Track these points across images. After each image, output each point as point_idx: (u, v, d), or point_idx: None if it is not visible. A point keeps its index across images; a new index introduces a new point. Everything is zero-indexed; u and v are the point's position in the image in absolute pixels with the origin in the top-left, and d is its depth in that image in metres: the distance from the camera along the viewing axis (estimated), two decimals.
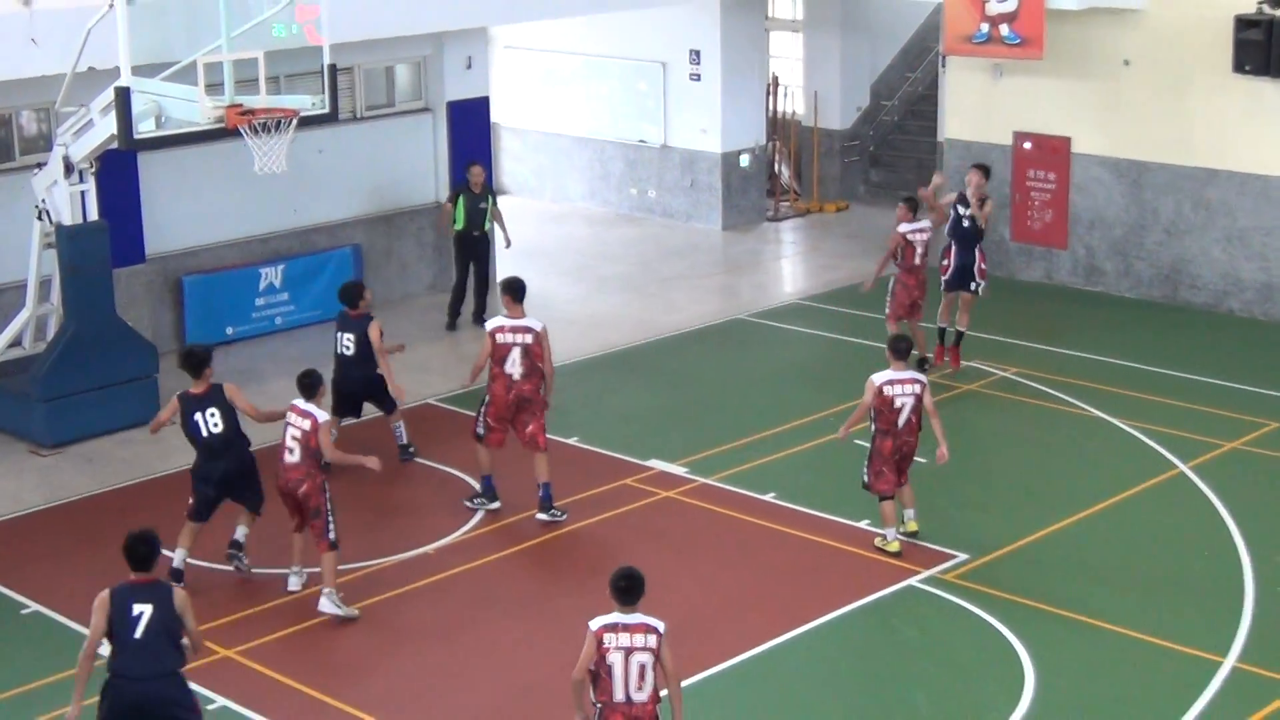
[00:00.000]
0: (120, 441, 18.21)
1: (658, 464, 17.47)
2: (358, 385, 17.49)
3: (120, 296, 19.59)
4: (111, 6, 16.62)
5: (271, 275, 22.27)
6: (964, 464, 17.53)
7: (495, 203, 22.41)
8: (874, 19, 29.71)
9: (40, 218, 18.60)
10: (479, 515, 16.39)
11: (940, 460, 15.36)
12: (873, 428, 15.39)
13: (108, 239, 18.67)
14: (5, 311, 19.66)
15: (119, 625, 10.85)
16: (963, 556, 15.30)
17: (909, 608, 14.46)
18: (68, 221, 18.29)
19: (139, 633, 10.82)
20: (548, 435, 16.15)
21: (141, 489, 17.31)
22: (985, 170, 20.48)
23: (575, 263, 26.02)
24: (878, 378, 15.29)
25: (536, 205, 29.76)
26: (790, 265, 26.48)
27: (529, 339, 15.81)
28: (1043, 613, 14.24)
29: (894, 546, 15.34)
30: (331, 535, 14.31)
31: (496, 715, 12.90)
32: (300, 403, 14.46)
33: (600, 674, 10.49)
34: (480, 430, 16.20)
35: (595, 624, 10.54)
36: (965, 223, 20.03)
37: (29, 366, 18.71)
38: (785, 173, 29.81)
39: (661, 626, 10.51)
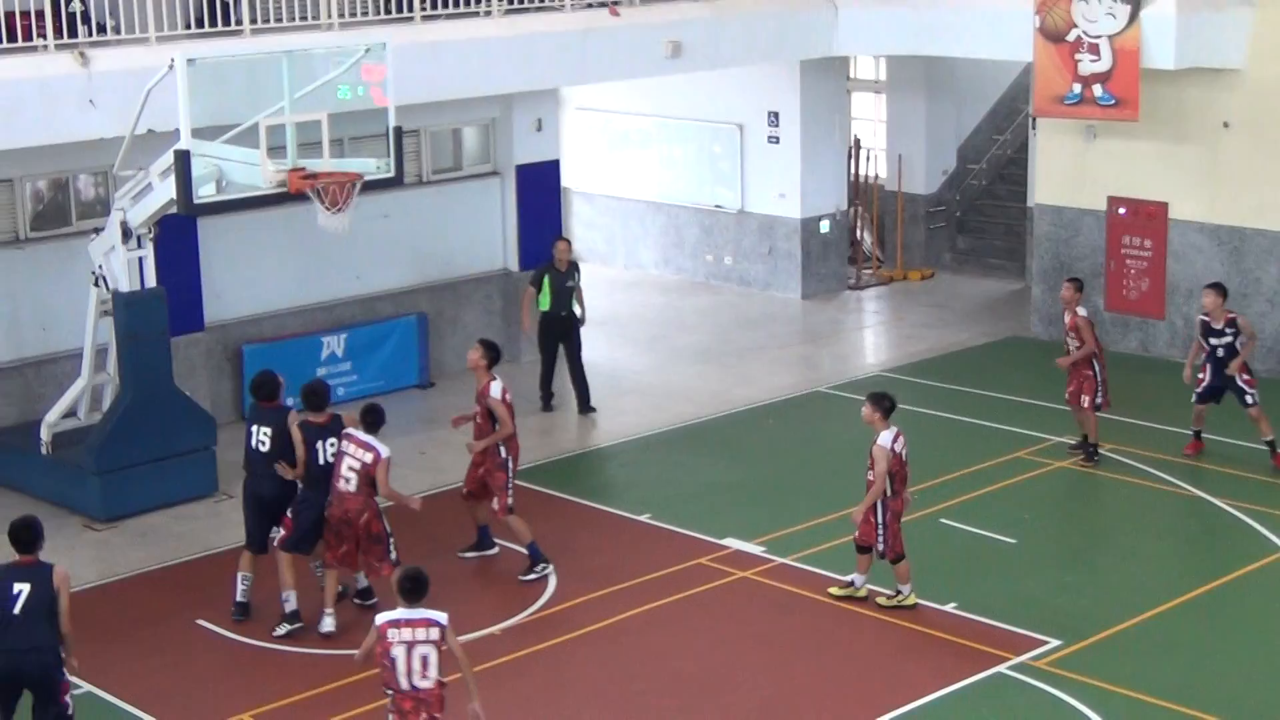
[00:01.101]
0: (177, 516, 17.90)
1: (733, 543, 17.00)
2: (277, 488, 15.44)
3: (178, 366, 19.35)
4: (171, 67, 16.51)
5: (334, 344, 21.89)
6: (1057, 545, 17.22)
7: (578, 279, 21.59)
8: (960, 79, 29.29)
9: (97, 284, 18.41)
10: (548, 592, 15.92)
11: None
12: (885, 495, 15.38)
13: (166, 306, 18.43)
14: (61, 381, 19.48)
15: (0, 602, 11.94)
16: (1055, 642, 14.80)
17: (998, 697, 13.93)
18: (125, 288, 18.07)
19: (17, 609, 11.90)
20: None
21: (197, 565, 16.99)
22: (1222, 290, 19.54)
23: (648, 332, 25.61)
24: (885, 440, 15.37)
25: (608, 272, 29.45)
26: (872, 335, 25.95)
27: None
28: (1139, 703, 13.74)
29: (913, 600, 15.47)
30: (393, 555, 14.96)
31: None
32: (360, 434, 14.91)
33: (385, 665, 11.56)
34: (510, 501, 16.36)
35: (380, 619, 11.66)
36: (1221, 351, 19.22)
37: (84, 438, 18.45)
38: (867, 239, 29.38)
39: (443, 619, 11.60)
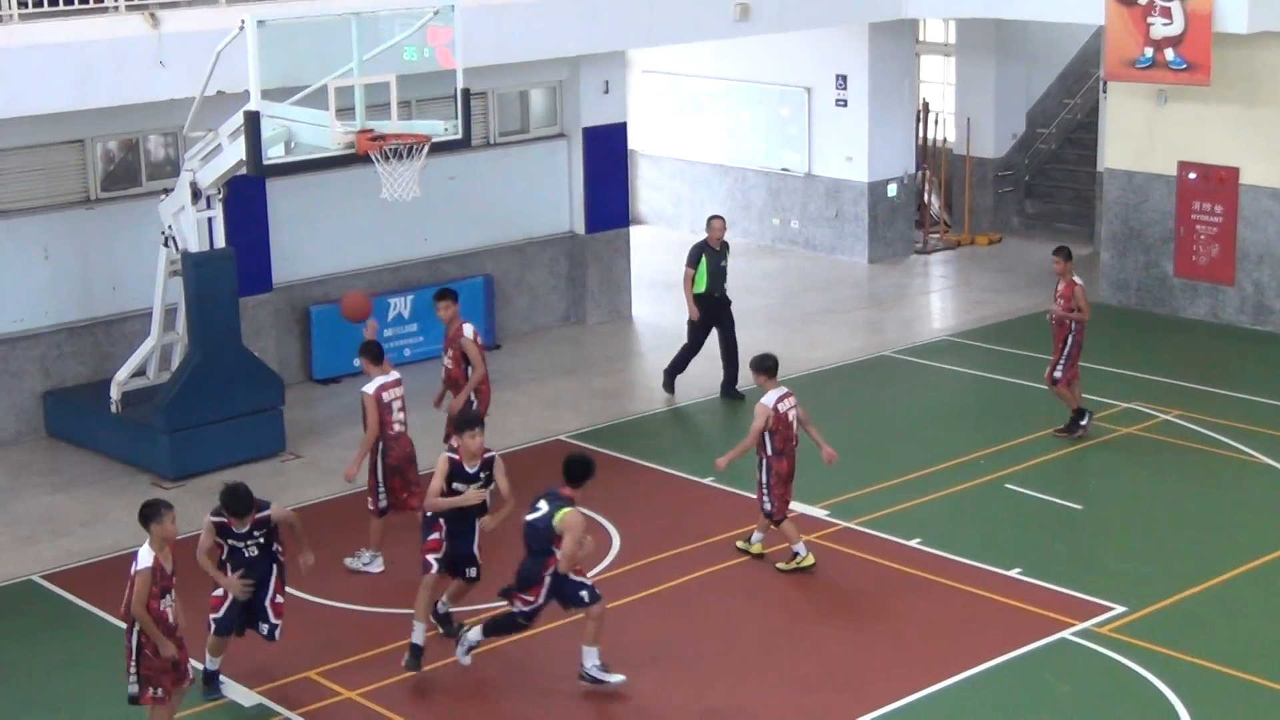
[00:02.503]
0: (243, 475, 17.82)
1: (798, 507, 16.89)
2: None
3: (246, 326, 19.45)
4: (242, 29, 16.56)
5: (400, 305, 21.93)
6: (1122, 512, 17.07)
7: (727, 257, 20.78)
8: (1030, 43, 29.01)
9: (166, 245, 18.51)
10: (611, 555, 15.97)
11: (829, 460, 15.72)
12: (766, 453, 15.50)
13: (234, 267, 18.51)
14: (130, 340, 19.60)
15: None
16: (1120, 609, 14.67)
17: (1062, 662, 13.83)
18: (194, 249, 18.16)
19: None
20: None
21: None
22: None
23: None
24: (768, 400, 15.49)
25: (674, 235, 29.35)
26: (939, 300, 25.78)
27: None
28: (1203, 670, 13.63)
29: (810, 560, 15.53)
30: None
31: None
32: (392, 375, 15.81)
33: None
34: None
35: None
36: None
37: (153, 397, 18.54)
38: (935, 203, 29.18)
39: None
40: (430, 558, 13.78)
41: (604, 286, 24.17)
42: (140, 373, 19.01)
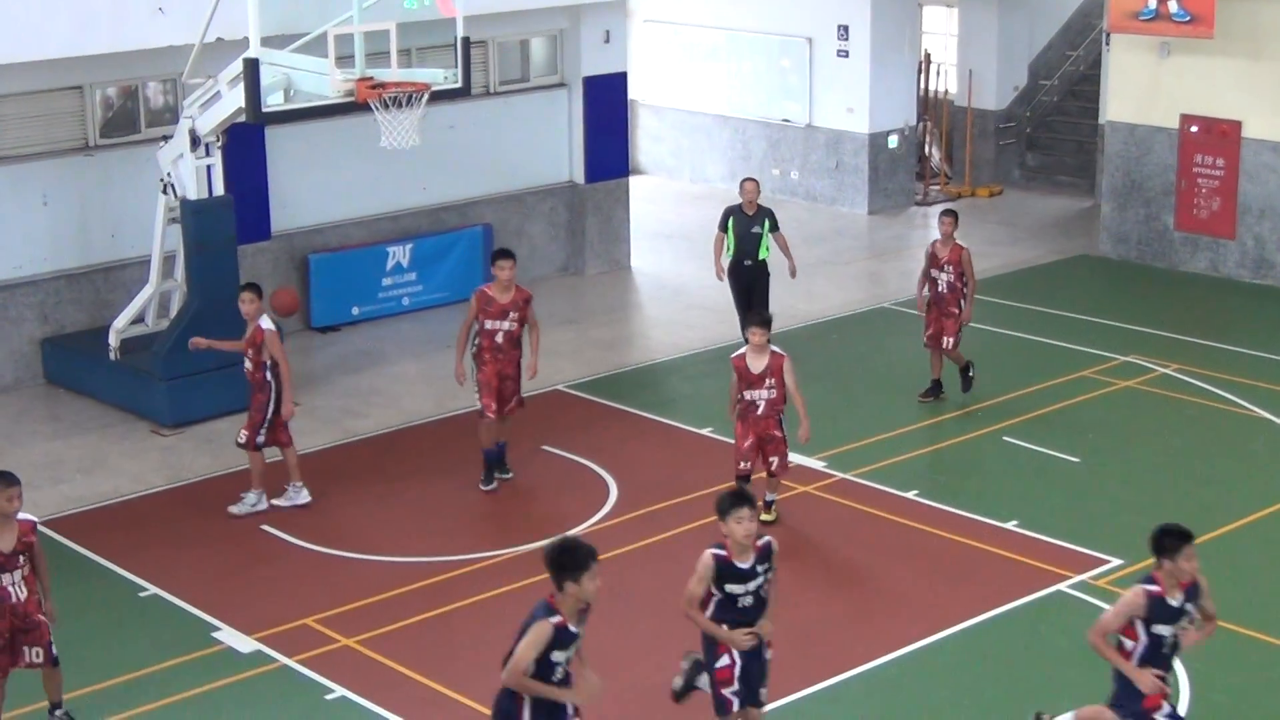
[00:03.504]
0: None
1: (795, 458, 16.82)
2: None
3: (245, 274, 19.34)
4: None
5: (399, 254, 21.91)
6: (1120, 464, 17.04)
7: (773, 225, 19.72)
8: None
9: (165, 192, 18.48)
10: (608, 505, 15.98)
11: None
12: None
13: (233, 215, 18.50)
14: (129, 287, 19.63)
15: None
16: (1116, 561, 14.66)
17: (1058, 614, 13.86)
18: (193, 196, 18.15)
19: None
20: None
21: None
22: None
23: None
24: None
25: (674, 186, 29.35)
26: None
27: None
28: None
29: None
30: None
31: (632, 716, 12.38)
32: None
33: None
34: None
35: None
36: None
37: (152, 344, 18.55)
38: (936, 155, 29.14)
39: None
40: (726, 693, 11.00)
41: (603, 237, 24.12)
42: (139, 320, 19.00)
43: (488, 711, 12.10)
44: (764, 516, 14.93)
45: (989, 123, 29.13)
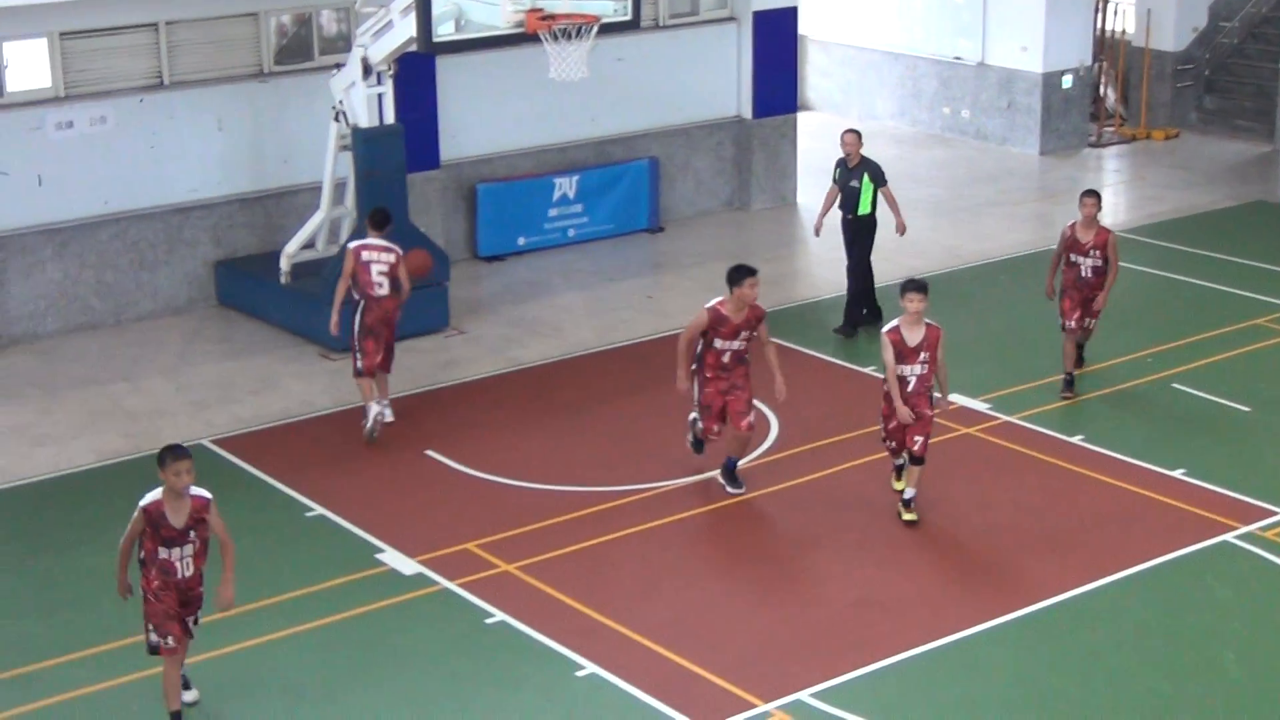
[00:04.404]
0: (408, 349, 18.15)
1: (959, 399, 16.73)
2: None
3: (414, 202, 19.60)
4: None
5: (566, 186, 21.95)
6: None
7: (878, 179, 18.79)
8: None
9: (337, 119, 18.62)
10: (769, 441, 15.90)
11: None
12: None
13: (403, 143, 18.62)
14: (300, 212, 19.85)
15: None
16: None
17: (1224, 565, 13.63)
18: (364, 124, 18.27)
19: None
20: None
21: (426, 397, 17.27)
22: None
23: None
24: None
25: (842, 123, 28.96)
26: (1112, 195, 25.27)
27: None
28: None
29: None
30: None
31: (783, 650, 12.37)
32: (374, 240, 15.95)
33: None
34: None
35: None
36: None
37: (321, 269, 18.72)
38: (1111, 96, 28.60)
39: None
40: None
41: (769, 172, 24.00)
42: (309, 245, 19.23)
43: (644, 641, 12.24)
44: (906, 516, 14.17)
45: (1166, 64, 28.51)
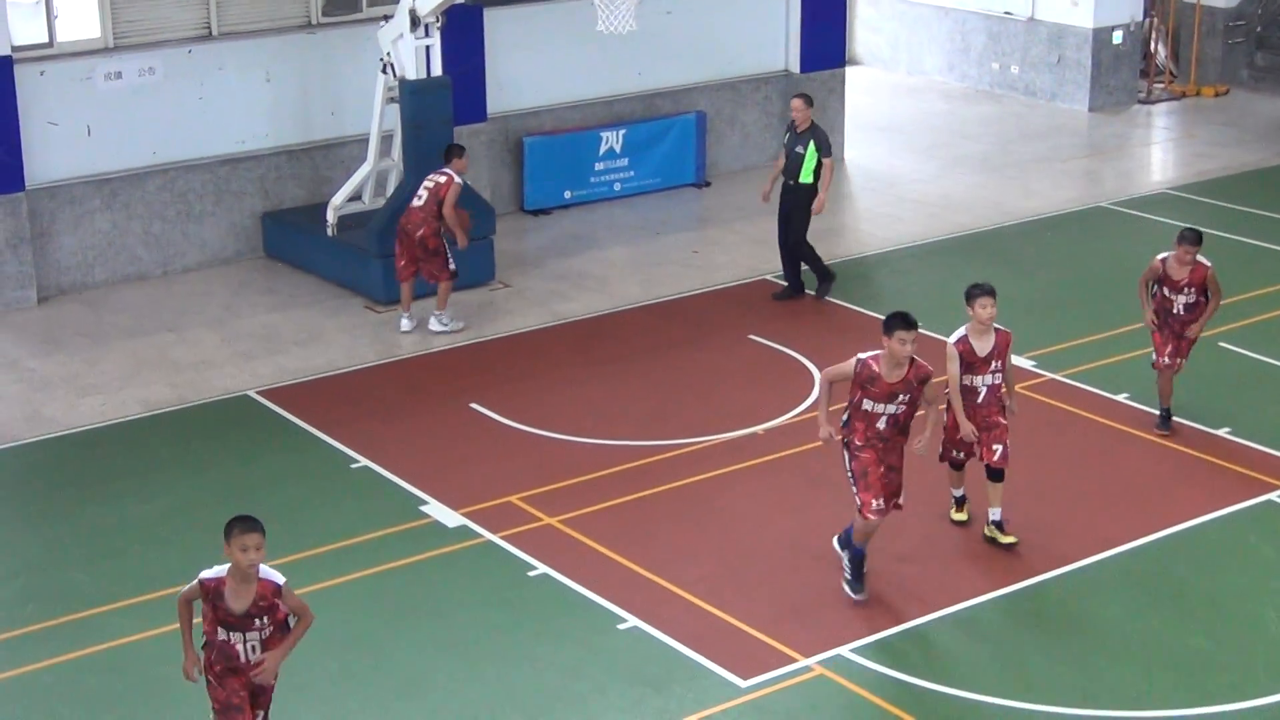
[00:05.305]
0: (453, 301, 18.16)
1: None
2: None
3: None
4: None
5: (612, 140, 21.91)
6: None
7: (820, 150, 18.07)
8: None
9: (384, 71, 18.65)
10: (812, 397, 15.83)
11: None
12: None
13: (450, 95, 18.62)
14: (347, 165, 19.89)
15: None
16: None
17: (1268, 524, 13.58)
18: (412, 76, 18.29)
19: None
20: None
21: (471, 350, 17.30)
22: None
23: (929, 140, 25.10)
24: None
25: (890, 78, 28.93)
26: (1161, 152, 25.12)
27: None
28: None
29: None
30: (451, 266, 17.33)
31: (823, 605, 12.41)
32: (443, 168, 17.18)
33: None
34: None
35: None
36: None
37: (368, 221, 18.77)
38: (1161, 52, 28.35)
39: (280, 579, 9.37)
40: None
41: None
42: (356, 197, 19.26)
43: (686, 594, 12.27)
44: (1003, 539, 13.09)
45: (1218, 20, 28.23)
